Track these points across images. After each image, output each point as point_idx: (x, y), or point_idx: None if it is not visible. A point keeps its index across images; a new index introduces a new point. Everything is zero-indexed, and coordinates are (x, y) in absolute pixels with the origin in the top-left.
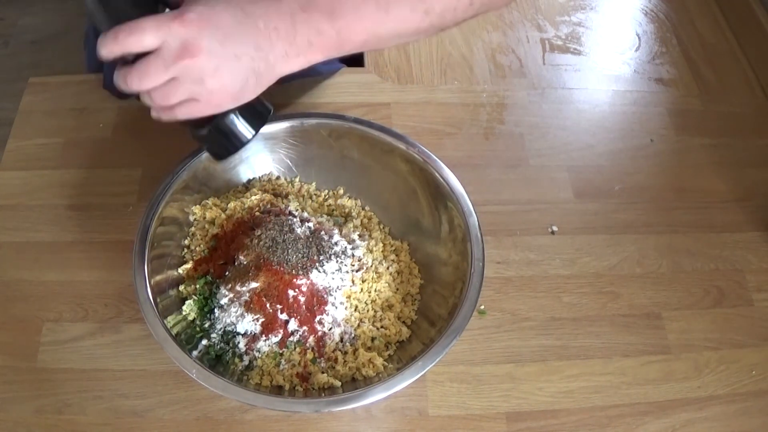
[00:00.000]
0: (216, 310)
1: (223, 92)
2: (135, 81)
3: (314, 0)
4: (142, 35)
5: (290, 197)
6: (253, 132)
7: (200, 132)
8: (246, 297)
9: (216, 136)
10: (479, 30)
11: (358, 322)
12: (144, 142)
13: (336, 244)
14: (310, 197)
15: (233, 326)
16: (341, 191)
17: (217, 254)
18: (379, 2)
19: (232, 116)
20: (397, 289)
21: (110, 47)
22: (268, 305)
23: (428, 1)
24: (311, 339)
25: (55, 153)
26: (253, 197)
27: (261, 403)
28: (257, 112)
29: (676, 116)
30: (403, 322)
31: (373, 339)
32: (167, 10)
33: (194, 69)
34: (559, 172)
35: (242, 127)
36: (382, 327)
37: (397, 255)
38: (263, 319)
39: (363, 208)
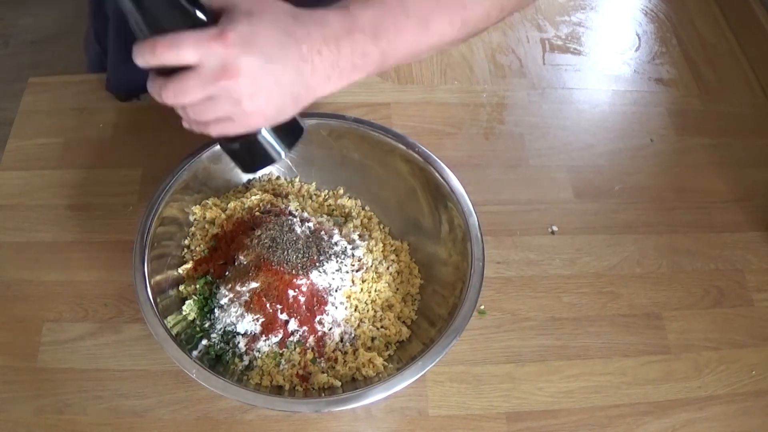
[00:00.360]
0: (216, 310)
1: (259, 115)
2: (170, 95)
3: (358, 21)
4: (181, 51)
5: (290, 197)
6: (286, 150)
7: (231, 146)
8: (246, 297)
9: (247, 152)
10: None
11: (358, 322)
12: (144, 142)
13: (336, 244)
14: (310, 197)
15: (233, 326)
16: (341, 191)
17: (217, 254)
18: (420, 18)
19: (265, 133)
20: (397, 289)
21: (147, 58)
22: (268, 305)
23: (465, 12)
24: (311, 339)
25: (55, 153)
26: (253, 197)
27: (261, 403)
28: (291, 130)
29: (676, 116)
30: (403, 322)
31: (373, 339)
32: (199, 13)
33: (232, 91)
34: (559, 172)
35: (275, 144)
36: (382, 327)
37: (397, 255)
38: (263, 319)
39: (363, 208)
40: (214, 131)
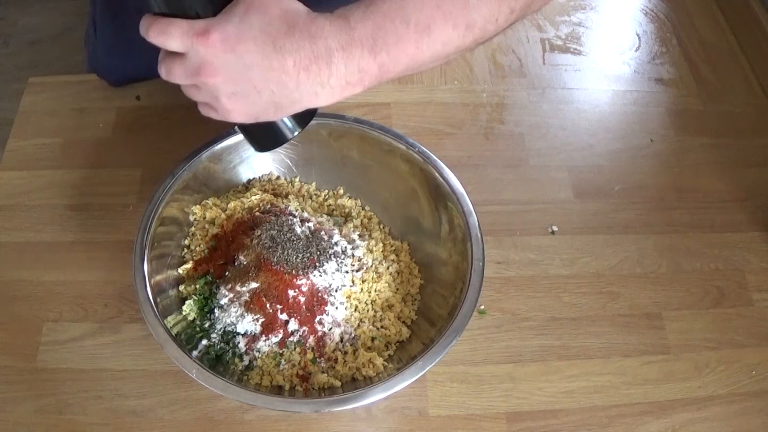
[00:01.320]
0: (216, 310)
1: (238, 113)
2: (163, 72)
3: (356, 33)
4: (169, 39)
5: (290, 197)
6: (299, 129)
7: (243, 124)
8: (246, 297)
9: (258, 131)
10: None
11: (358, 322)
12: (144, 142)
13: (336, 244)
14: (310, 197)
15: (233, 326)
16: (341, 191)
17: (217, 254)
18: (421, 25)
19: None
20: (397, 289)
21: (144, 34)
22: (268, 305)
23: (468, 13)
24: (311, 339)
25: (55, 153)
26: (253, 197)
27: (261, 403)
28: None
29: (676, 116)
30: (403, 322)
31: (373, 339)
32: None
33: (210, 87)
34: (559, 172)
35: (287, 123)
36: (382, 327)
37: (397, 255)
38: (263, 319)
39: (363, 208)
40: (204, 112)
